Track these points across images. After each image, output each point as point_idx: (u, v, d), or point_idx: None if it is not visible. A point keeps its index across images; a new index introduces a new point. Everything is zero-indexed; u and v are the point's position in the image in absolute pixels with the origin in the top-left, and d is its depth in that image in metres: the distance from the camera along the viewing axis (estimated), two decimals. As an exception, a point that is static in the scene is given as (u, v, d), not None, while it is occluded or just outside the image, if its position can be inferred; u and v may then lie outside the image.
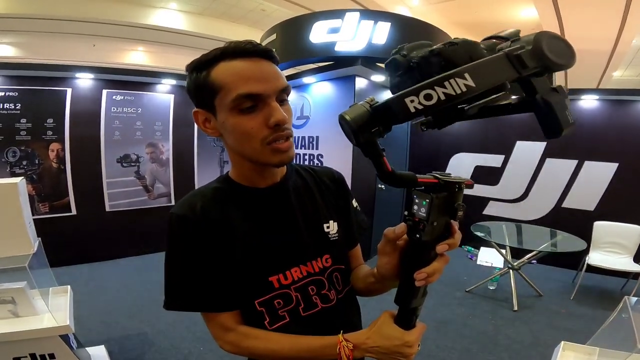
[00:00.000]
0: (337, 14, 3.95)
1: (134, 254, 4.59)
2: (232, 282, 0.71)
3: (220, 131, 0.71)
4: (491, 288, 3.73)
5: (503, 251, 3.66)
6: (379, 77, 4.32)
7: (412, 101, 0.39)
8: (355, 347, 0.65)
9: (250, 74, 0.64)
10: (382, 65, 4.10)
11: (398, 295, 0.62)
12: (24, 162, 3.89)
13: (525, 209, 4.85)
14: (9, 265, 1.64)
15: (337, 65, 4.03)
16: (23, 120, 3.87)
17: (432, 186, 0.54)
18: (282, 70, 0.69)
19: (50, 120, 4.01)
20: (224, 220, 0.72)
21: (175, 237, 0.72)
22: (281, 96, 0.68)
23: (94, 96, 4.29)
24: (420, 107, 0.38)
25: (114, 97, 4.39)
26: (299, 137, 4.73)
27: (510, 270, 3.58)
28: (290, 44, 4.28)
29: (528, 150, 4.82)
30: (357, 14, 3.90)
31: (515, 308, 3.28)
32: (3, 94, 3.79)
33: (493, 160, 5.08)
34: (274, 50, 0.71)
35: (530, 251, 3.53)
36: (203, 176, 5.10)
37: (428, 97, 0.38)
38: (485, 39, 0.45)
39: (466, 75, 0.37)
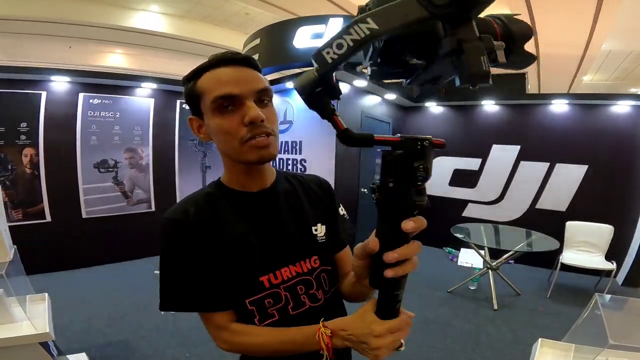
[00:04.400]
0: (321, 19, 3.99)
1: (112, 261, 4.47)
2: (224, 283, 0.74)
3: (210, 135, 0.75)
4: (472, 288, 3.83)
5: (482, 252, 3.76)
6: (361, 82, 4.38)
7: (327, 53, 0.40)
8: (333, 333, 0.64)
9: (228, 78, 0.70)
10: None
11: (369, 277, 0.58)
12: (-3, 168, 3.74)
13: (502, 211, 5.01)
14: (-15, 273, 1.59)
15: (320, 70, 4.06)
16: (-5, 125, 3.72)
17: (393, 145, 0.49)
18: (265, 74, 0.73)
19: (23, 125, 3.87)
20: (216, 223, 0.75)
21: (169, 240, 0.74)
22: (260, 97, 0.72)
23: (70, 100, 4.16)
24: (335, 56, 0.40)
25: (90, 100, 4.28)
26: (282, 141, 4.73)
27: (490, 271, 3.68)
28: (274, 49, 4.29)
29: (503, 154, 4.99)
30: (341, 19, 3.95)
31: (495, 307, 3.38)
32: (-26, 98, 3.64)
33: (471, 163, 5.23)
34: (253, 57, 0.74)
35: (508, 251, 3.65)
36: (185, 182, 5.02)
37: (339, 46, 0.39)
38: None
39: (369, 19, 0.38)
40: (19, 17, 3.87)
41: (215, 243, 0.74)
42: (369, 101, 4.93)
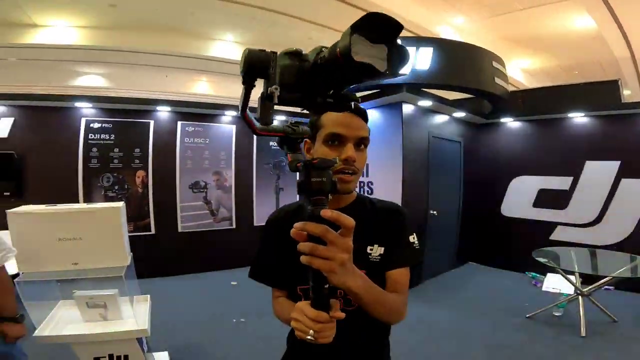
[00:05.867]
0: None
1: (197, 271, 4.97)
2: (286, 270, 0.98)
3: (314, 156, 0.97)
4: (557, 314, 3.49)
5: (572, 277, 3.42)
6: (425, 102, 4.36)
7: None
8: None
9: (342, 121, 0.91)
10: (428, 90, 4.11)
11: None
12: (116, 187, 4.54)
13: (600, 234, 4.48)
14: (109, 274, 1.92)
15: (383, 92, 4.15)
16: (116, 150, 4.53)
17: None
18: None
19: (137, 150, 4.64)
20: (290, 227, 0.97)
21: (262, 233, 1.08)
22: (358, 142, 0.93)
23: (171, 128, 4.88)
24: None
25: (187, 128, 4.96)
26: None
27: (580, 297, 3.33)
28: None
29: (600, 171, 4.49)
30: (399, 41, 4.03)
31: (583, 334, 3.05)
32: (100, 125, 4.49)
33: (559, 182, 4.79)
34: (365, 110, 0.97)
35: (604, 277, 3.27)
36: (260, 202, 5.45)
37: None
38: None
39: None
40: (123, 47, 4.57)
41: (287, 241, 0.94)
42: (436, 120, 4.85)
